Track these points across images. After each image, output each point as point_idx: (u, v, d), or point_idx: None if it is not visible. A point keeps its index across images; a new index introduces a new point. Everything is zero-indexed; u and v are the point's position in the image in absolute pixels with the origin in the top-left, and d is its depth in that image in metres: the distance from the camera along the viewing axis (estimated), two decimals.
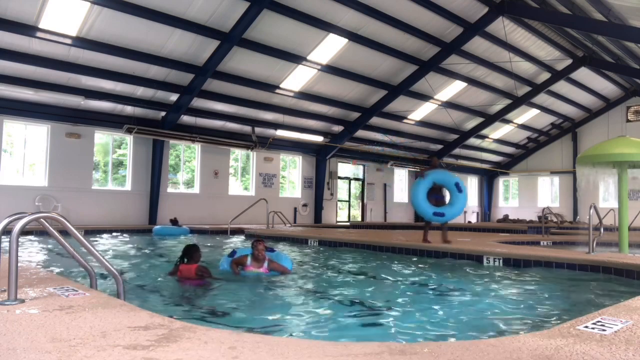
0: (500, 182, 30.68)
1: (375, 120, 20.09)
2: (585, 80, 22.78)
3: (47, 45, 11.84)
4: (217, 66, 14.02)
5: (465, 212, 12.91)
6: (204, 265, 5.78)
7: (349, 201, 23.41)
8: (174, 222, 13.53)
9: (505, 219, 24.69)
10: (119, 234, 13.01)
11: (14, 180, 13.53)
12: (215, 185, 17.74)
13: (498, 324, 3.95)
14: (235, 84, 15.34)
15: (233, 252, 6.47)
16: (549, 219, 16.17)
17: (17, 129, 13.75)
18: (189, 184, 17.59)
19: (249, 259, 5.99)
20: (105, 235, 12.45)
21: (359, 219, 23.45)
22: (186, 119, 16.01)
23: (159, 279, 5.90)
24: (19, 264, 3.08)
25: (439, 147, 25.13)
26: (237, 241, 12.03)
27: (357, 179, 23.74)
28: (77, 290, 3.42)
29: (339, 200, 22.62)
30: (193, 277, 5.43)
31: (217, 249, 10.32)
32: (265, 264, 5.97)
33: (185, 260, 5.64)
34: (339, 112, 19.18)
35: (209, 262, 7.33)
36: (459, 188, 8.62)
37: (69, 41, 11.88)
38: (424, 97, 19.75)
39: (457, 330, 3.73)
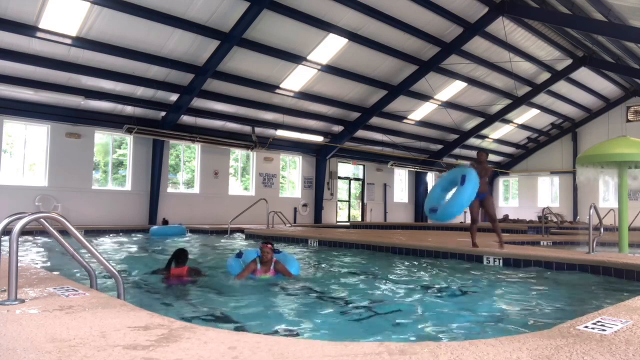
0: (500, 182, 30.66)
1: (375, 120, 20.08)
2: (585, 80, 22.77)
3: (47, 45, 11.83)
4: (217, 66, 14.02)
5: (465, 212, 12.74)
6: (194, 267, 5.76)
7: (349, 201, 23.41)
8: (164, 223, 13.60)
9: (505, 219, 24.63)
10: (118, 234, 13.01)
11: (14, 180, 13.52)
12: (215, 185, 17.73)
13: (498, 324, 3.95)
14: (235, 84, 15.34)
15: (240, 253, 6.40)
16: (549, 219, 16.16)
17: (17, 129, 13.74)
18: (189, 184, 17.59)
19: (258, 264, 5.86)
20: (105, 235, 12.45)
21: (359, 219, 23.44)
22: (186, 119, 16.01)
23: (159, 279, 5.89)
24: (19, 264, 3.08)
25: (439, 147, 25.13)
26: (237, 239, 12.04)
27: (357, 179, 23.73)
28: (77, 290, 3.42)
29: (339, 200, 22.62)
30: (185, 279, 5.42)
31: (217, 249, 10.32)
32: (272, 266, 5.88)
33: (174, 264, 5.61)
34: (339, 112, 19.18)
35: (209, 263, 7.33)
36: (462, 180, 7.27)
37: (68, 41, 11.88)
38: (424, 97, 19.74)
39: (457, 330, 3.73)
